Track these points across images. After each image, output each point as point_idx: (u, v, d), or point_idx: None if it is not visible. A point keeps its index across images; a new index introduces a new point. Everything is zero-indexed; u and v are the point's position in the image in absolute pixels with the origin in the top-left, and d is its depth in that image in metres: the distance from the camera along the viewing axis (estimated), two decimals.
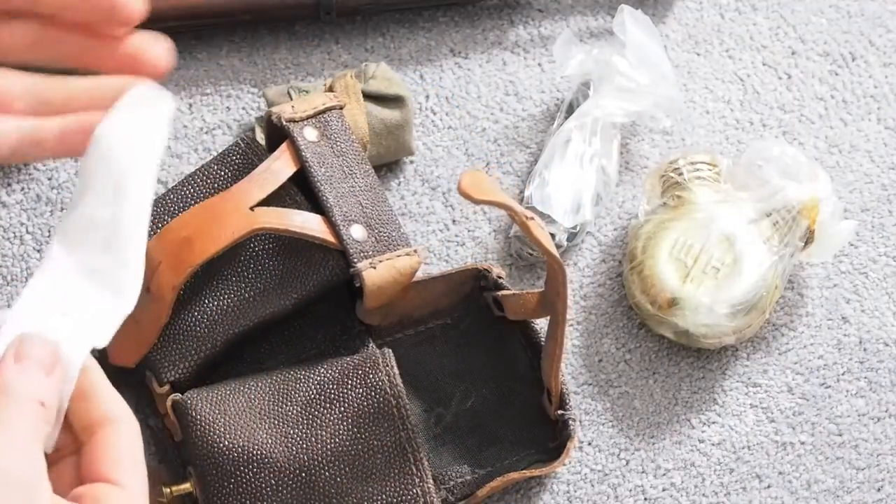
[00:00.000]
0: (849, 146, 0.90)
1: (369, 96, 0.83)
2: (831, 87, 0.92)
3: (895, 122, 0.91)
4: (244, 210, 0.73)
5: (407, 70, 0.89)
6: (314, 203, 0.75)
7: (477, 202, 0.67)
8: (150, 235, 0.73)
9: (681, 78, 0.91)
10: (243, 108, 0.87)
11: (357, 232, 0.74)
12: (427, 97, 0.89)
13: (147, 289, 0.72)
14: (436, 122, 0.88)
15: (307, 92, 0.83)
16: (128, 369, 0.75)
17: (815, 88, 0.92)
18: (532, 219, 0.69)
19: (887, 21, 0.94)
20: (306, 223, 0.73)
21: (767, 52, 0.93)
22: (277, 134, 0.77)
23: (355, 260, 0.73)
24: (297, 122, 0.76)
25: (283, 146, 0.75)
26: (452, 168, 0.87)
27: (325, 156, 0.75)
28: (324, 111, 0.77)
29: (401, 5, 0.88)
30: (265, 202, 0.74)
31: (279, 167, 0.75)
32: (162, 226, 0.75)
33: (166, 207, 0.75)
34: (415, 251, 0.75)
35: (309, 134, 0.75)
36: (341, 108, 0.78)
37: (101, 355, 0.75)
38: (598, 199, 0.84)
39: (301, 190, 0.75)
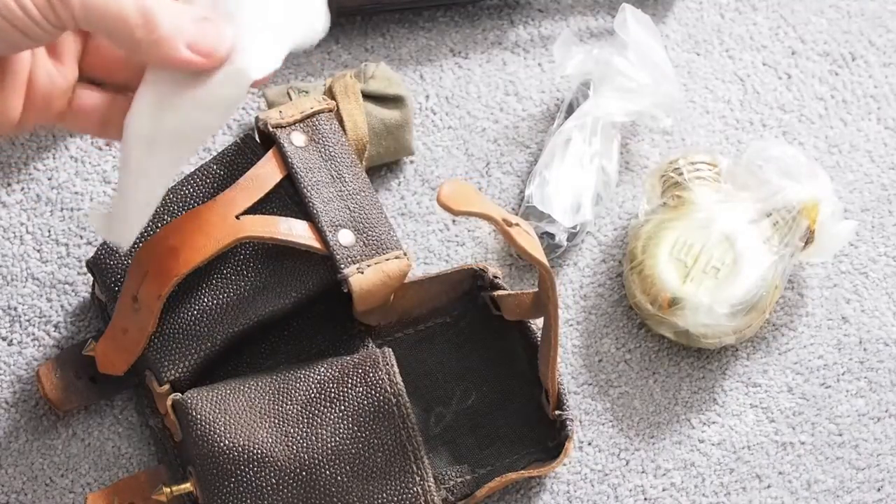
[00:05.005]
0: (849, 146, 0.90)
1: (369, 96, 0.83)
2: (831, 87, 0.92)
3: (895, 122, 0.91)
4: (230, 219, 0.72)
5: (407, 70, 0.89)
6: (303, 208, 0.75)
7: (456, 214, 0.66)
8: (146, 237, 0.74)
9: (681, 78, 0.91)
10: (243, 108, 0.87)
11: (345, 237, 0.74)
12: (427, 97, 0.89)
13: (134, 298, 0.72)
14: (436, 122, 0.88)
15: (307, 92, 0.83)
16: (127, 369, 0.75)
17: (815, 88, 0.92)
18: (516, 225, 0.69)
19: (887, 21, 0.94)
20: (292, 230, 0.73)
21: (767, 52, 0.93)
22: (267, 139, 0.77)
23: (342, 266, 0.73)
24: (285, 127, 0.75)
25: (270, 153, 0.75)
26: (452, 168, 0.87)
27: (312, 161, 0.75)
28: (312, 115, 0.76)
29: (401, 5, 0.88)
30: (262, 203, 0.74)
31: (266, 174, 0.74)
32: (161, 225, 0.75)
33: (166, 207, 0.75)
34: (404, 254, 0.74)
35: (296, 139, 0.75)
36: (331, 111, 0.77)
37: (91, 363, 0.75)
38: (598, 199, 0.84)
39: (292, 193, 0.75)
